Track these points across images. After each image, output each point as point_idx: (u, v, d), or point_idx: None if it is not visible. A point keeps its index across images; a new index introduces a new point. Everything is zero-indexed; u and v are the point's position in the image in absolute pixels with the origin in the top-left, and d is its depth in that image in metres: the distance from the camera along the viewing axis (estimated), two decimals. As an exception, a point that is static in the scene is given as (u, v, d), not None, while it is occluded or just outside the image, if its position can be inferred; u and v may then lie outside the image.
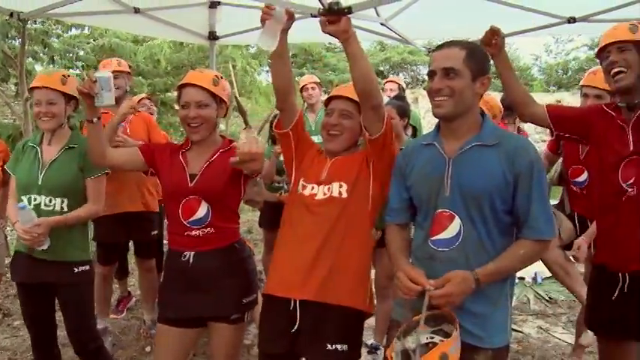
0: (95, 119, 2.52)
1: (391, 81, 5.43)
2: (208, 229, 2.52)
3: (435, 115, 2.10)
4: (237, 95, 6.18)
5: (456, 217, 2.06)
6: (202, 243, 2.52)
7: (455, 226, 2.06)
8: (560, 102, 13.78)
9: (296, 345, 2.35)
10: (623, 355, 2.56)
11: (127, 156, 2.70)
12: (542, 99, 14.17)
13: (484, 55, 2.18)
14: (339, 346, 2.32)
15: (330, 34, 2.25)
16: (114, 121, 3.49)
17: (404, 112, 3.80)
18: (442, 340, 1.96)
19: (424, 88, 17.67)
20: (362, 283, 2.43)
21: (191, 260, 2.52)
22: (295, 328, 2.34)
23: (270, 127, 5.20)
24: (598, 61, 2.63)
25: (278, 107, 2.54)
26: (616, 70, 2.44)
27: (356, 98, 2.39)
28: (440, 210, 2.09)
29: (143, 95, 5.84)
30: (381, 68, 19.63)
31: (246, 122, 5.42)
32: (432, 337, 2.00)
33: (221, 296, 2.52)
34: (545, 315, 5.01)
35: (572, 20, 4.04)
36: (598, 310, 2.60)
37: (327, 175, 2.45)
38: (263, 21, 2.25)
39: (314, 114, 5.20)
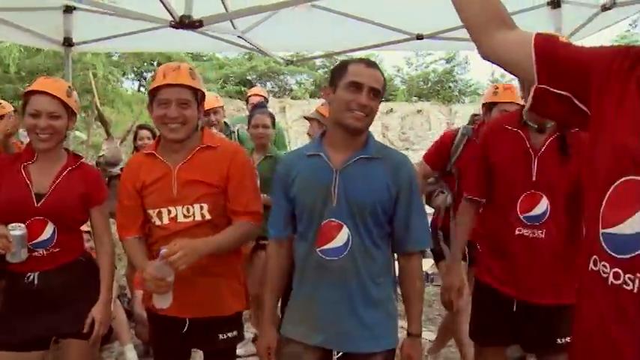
0: None
1: (255, 94, 5.54)
2: (53, 248, 2.42)
3: (350, 127, 2.12)
4: (99, 105, 5.93)
5: (344, 226, 2.12)
6: (46, 262, 2.42)
7: (343, 236, 2.13)
8: (421, 111, 14.59)
9: (187, 339, 2.40)
10: (497, 356, 2.65)
11: None
12: (404, 108, 14.94)
13: None
14: (229, 334, 2.42)
15: None
16: None
17: (274, 122, 4.11)
18: None
19: (292, 98, 17.96)
20: (240, 291, 2.50)
21: (36, 281, 2.41)
22: (186, 328, 2.37)
23: (134, 138, 5.08)
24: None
25: None
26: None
27: (192, 84, 2.32)
28: (327, 220, 2.14)
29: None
30: (249, 77, 19.68)
31: (108, 132, 5.25)
32: None
33: (69, 312, 2.44)
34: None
35: (420, 37, 4.35)
36: (487, 325, 2.59)
37: (177, 191, 2.32)
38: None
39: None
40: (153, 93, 2.33)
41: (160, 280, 2.13)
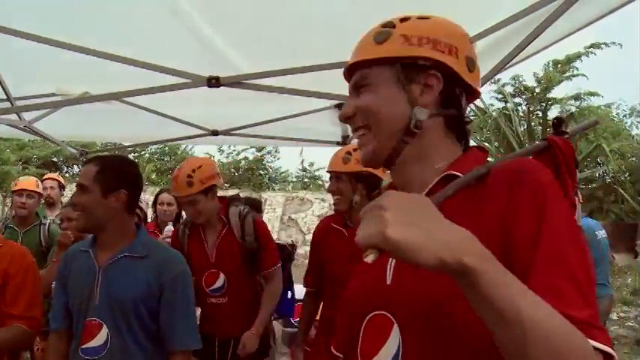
0: None
1: (50, 178, 5.38)
2: None
3: (77, 229, 2.18)
4: None
5: (104, 325, 2.11)
6: None
7: (102, 335, 2.10)
8: (233, 198, 14.83)
9: None
10: None
11: None
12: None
13: (118, 170, 2.21)
14: None
15: None
16: None
17: None
18: None
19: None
20: None
21: None
22: None
23: None
24: None
25: None
26: (334, 198, 2.86)
27: None
28: (89, 318, 2.12)
29: None
30: (54, 159, 18.74)
31: None
32: None
33: None
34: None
35: (215, 133, 4.65)
36: None
37: None
38: None
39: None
40: None
41: None
